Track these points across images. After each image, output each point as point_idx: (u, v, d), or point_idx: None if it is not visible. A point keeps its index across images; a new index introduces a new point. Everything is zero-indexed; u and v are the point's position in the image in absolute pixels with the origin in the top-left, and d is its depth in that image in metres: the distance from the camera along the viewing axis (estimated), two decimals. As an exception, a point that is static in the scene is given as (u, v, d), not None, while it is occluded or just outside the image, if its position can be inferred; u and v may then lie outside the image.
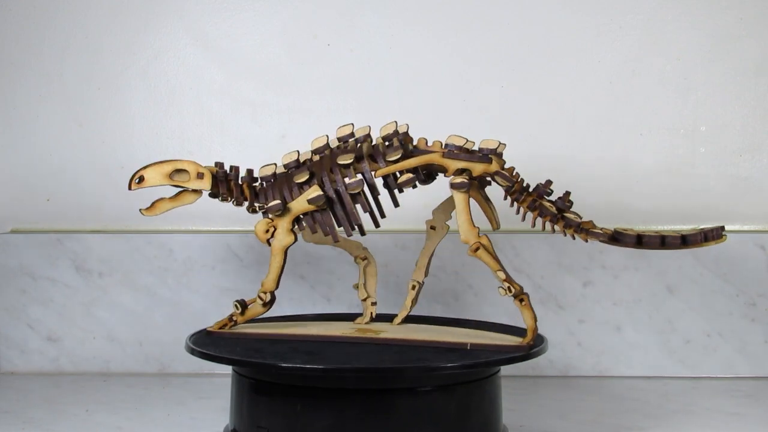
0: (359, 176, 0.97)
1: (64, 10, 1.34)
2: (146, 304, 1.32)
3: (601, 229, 0.97)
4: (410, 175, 0.97)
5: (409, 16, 1.33)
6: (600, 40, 1.32)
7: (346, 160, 0.97)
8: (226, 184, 1.00)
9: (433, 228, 1.05)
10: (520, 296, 0.95)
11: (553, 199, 0.99)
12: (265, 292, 1.00)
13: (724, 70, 1.32)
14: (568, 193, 0.99)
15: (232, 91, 1.34)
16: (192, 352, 0.94)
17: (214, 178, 1.00)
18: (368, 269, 1.07)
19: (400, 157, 0.97)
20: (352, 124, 0.99)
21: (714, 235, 0.95)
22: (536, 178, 1.03)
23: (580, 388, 1.24)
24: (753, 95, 1.32)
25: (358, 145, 0.99)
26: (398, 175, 0.98)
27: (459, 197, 0.96)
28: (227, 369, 0.98)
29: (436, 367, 0.88)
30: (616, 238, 0.96)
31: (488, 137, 1.02)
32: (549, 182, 0.99)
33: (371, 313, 1.07)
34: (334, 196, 0.97)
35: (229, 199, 1.00)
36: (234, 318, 1.02)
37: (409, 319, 1.09)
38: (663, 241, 0.95)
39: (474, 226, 0.96)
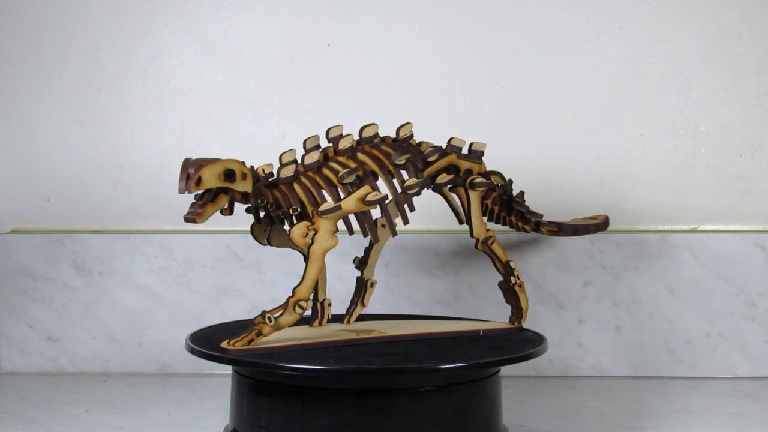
0: (416, 178, 0.98)
1: (64, 10, 1.34)
2: (146, 304, 1.32)
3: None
4: (448, 175, 1.00)
5: (409, 16, 1.33)
6: (600, 40, 1.32)
7: (401, 160, 0.98)
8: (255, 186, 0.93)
9: (383, 226, 1.05)
10: (520, 282, 1.05)
11: (514, 197, 1.06)
12: (305, 300, 0.93)
13: (724, 70, 1.32)
14: (522, 192, 1.07)
15: (232, 91, 1.34)
16: (192, 352, 0.94)
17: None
18: (323, 271, 1.04)
19: (436, 158, 1.00)
20: (376, 124, 0.99)
21: (607, 222, 1.13)
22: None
23: (580, 388, 1.24)
24: (753, 95, 1.32)
25: (405, 145, 1.00)
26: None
27: (474, 195, 1.02)
28: (227, 369, 0.98)
29: (436, 368, 0.88)
30: (561, 228, 1.07)
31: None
32: (511, 181, 1.06)
33: (328, 314, 1.04)
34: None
35: (265, 202, 0.93)
36: (261, 331, 0.92)
37: (410, 318, 1.09)
38: (587, 228, 1.10)
39: (483, 222, 1.03)
